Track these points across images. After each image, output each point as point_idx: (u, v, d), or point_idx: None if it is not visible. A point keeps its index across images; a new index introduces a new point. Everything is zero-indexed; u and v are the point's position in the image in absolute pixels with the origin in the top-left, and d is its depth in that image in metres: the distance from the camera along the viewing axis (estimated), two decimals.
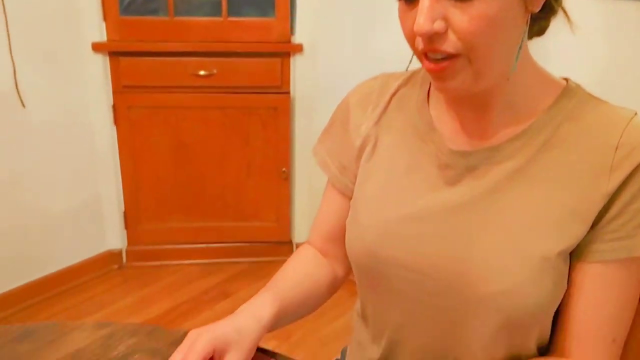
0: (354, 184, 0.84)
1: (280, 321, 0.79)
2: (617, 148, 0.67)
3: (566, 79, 0.75)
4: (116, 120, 2.46)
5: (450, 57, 0.64)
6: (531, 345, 0.74)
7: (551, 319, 0.74)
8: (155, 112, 2.46)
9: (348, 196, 0.86)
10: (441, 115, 0.78)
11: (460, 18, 0.62)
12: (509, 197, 0.70)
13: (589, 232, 0.68)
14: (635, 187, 0.66)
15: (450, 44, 0.63)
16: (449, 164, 0.74)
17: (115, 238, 2.63)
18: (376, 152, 0.81)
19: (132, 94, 2.43)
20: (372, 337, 0.85)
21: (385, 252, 0.75)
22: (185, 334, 0.75)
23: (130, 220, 2.62)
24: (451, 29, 0.63)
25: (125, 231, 2.64)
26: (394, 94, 0.83)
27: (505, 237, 0.69)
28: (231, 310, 0.76)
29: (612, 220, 0.67)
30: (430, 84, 0.80)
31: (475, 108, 0.73)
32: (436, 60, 0.65)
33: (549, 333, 0.75)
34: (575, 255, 0.70)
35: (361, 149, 0.83)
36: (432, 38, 0.64)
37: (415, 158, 0.77)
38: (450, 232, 0.72)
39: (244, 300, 0.78)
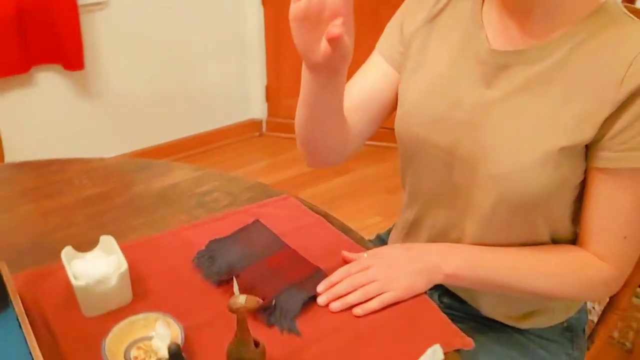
0: (403, 64, 0.95)
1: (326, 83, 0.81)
2: (631, 63, 0.73)
3: None
4: (264, 2, 2.68)
5: None
6: (539, 233, 0.86)
7: (559, 210, 0.85)
8: None
9: (399, 71, 0.96)
10: (490, 19, 0.87)
11: None
12: (531, 96, 0.80)
13: (600, 141, 0.77)
14: None
15: None
16: (487, 61, 0.84)
17: (257, 109, 2.97)
18: (428, 46, 0.92)
19: None
20: (408, 202, 1.01)
21: (426, 135, 0.90)
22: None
23: (270, 94, 2.92)
24: None
25: (266, 103, 2.95)
26: None
27: (518, 131, 0.80)
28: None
29: (622, 132, 0.75)
30: None
31: (518, 13, 0.82)
32: None
33: (562, 226, 0.87)
34: (590, 162, 0.79)
35: (413, 36, 0.94)
36: None
37: (460, 54, 0.88)
38: (479, 123, 0.84)
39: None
